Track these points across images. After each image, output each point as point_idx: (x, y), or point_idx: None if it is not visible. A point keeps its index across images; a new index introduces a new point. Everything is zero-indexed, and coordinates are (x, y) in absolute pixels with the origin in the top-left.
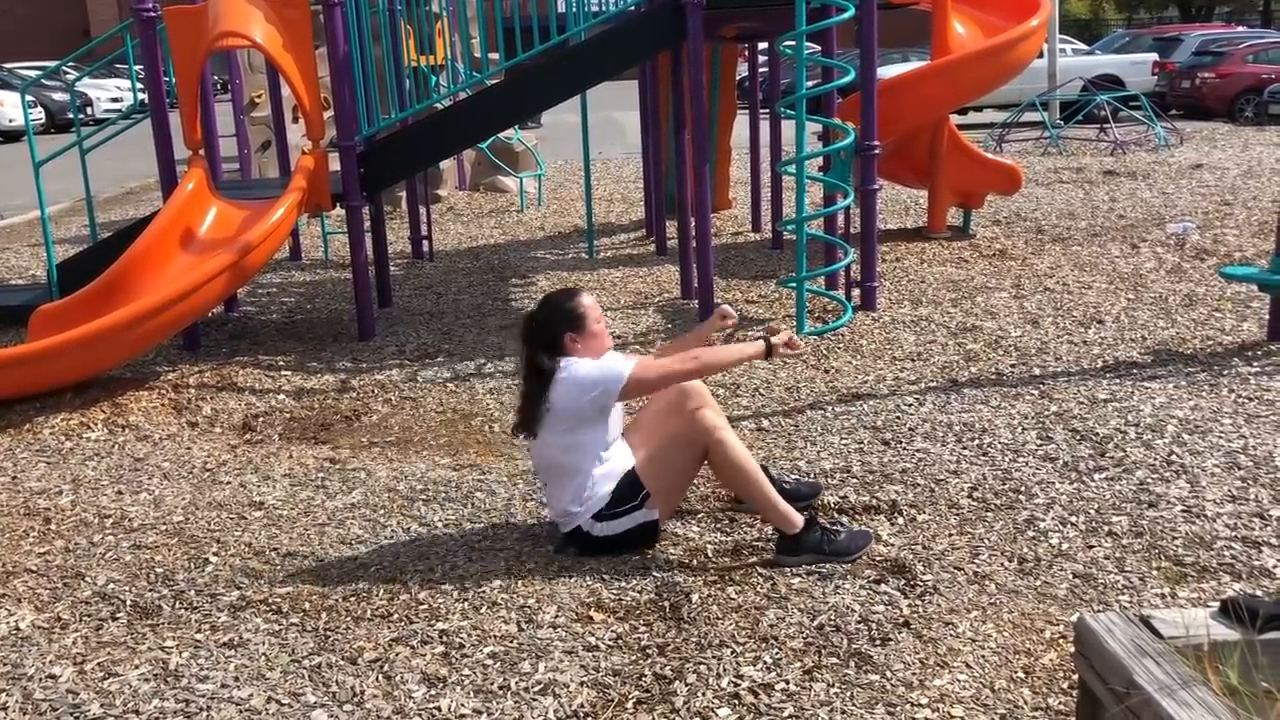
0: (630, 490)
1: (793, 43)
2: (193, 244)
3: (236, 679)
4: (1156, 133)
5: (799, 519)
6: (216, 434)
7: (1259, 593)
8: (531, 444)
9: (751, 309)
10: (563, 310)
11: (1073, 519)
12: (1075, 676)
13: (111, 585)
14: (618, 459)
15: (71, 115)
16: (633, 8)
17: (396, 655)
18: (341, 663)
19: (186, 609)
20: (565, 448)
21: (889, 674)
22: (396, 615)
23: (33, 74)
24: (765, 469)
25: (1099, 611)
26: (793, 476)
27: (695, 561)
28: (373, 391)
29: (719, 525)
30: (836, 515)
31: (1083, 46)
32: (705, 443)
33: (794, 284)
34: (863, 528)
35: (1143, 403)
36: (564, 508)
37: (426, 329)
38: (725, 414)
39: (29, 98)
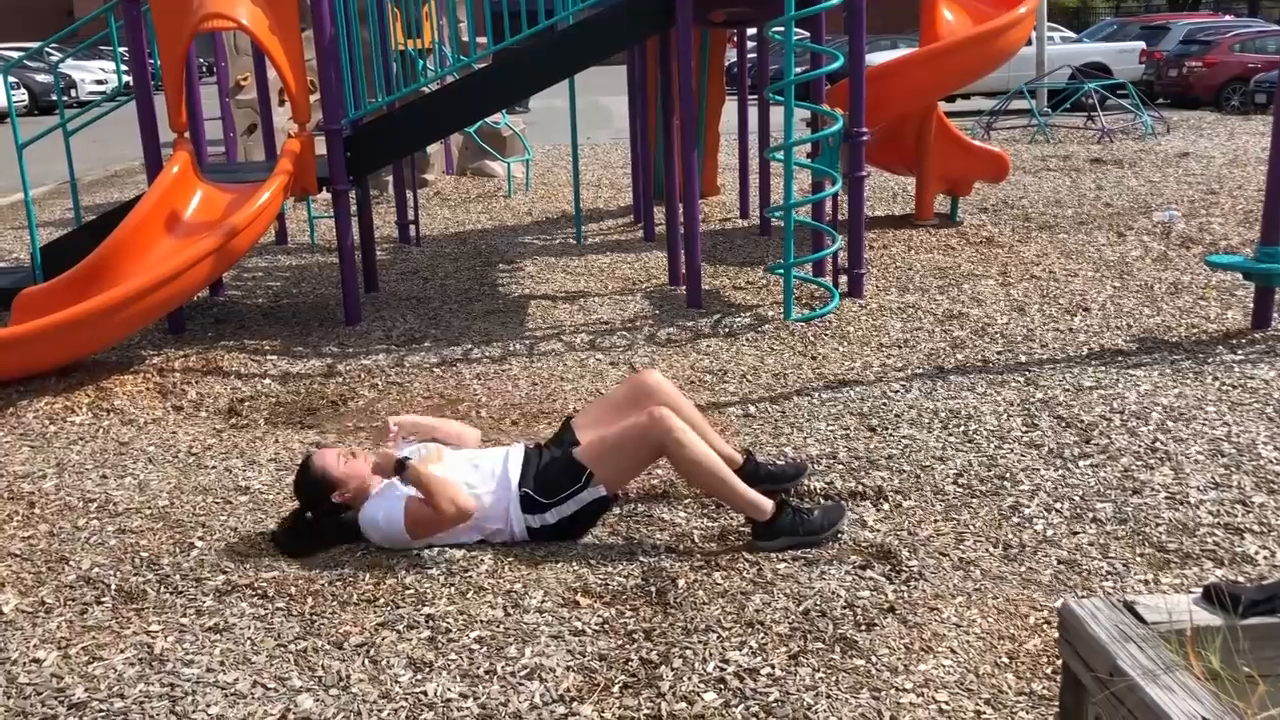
0: (568, 475)
1: (782, 28)
2: (178, 227)
3: (222, 663)
4: (1143, 121)
5: (768, 505)
6: (202, 418)
7: (1241, 579)
8: None
9: (739, 295)
10: (312, 484)
11: (1057, 505)
12: (1059, 661)
13: (96, 569)
14: (490, 468)
15: (55, 97)
16: None
17: (382, 640)
18: (327, 647)
19: (172, 593)
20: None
21: (874, 659)
22: (383, 600)
23: (15, 55)
24: (750, 454)
25: (1083, 597)
26: (779, 462)
27: (682, 547)
28: (359, 376)
29: (705, 510)
30: (822, 501)
31: (1071, 34)
32: (664, 442)
33: (781, 270)
34: (836, 503)
35: (1128, 390)
36: (501, 540)
37: (413, 314)
38: (712, 400)
39: (11, 79)
